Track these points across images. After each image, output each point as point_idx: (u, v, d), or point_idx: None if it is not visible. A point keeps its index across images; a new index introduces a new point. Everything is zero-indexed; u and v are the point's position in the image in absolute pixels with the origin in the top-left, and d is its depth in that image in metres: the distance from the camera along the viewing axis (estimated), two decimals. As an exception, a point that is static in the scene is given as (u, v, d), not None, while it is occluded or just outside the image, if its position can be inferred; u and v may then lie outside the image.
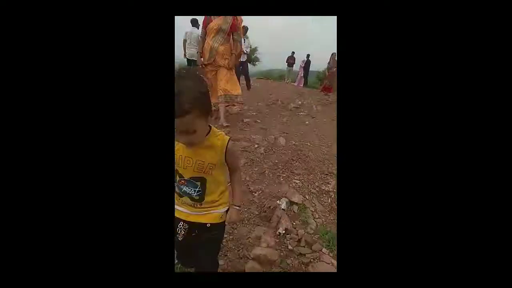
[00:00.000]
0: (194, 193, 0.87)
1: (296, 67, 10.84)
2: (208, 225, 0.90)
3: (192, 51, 5.41)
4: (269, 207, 1.63)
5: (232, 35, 3.01)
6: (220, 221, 0.92)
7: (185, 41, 5.58)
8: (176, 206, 0.90)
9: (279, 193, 1.79)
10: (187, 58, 5.72)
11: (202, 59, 3.08)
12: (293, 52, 11.00)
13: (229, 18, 2.93)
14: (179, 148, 0.83)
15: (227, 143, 0.85)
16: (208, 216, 0.90)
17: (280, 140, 2.80)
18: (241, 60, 6.14)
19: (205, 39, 2.99)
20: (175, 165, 0.85)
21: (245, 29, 6.06)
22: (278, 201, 1.68)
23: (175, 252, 0.95)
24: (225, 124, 3.04)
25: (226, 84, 3.08)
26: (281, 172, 2.14)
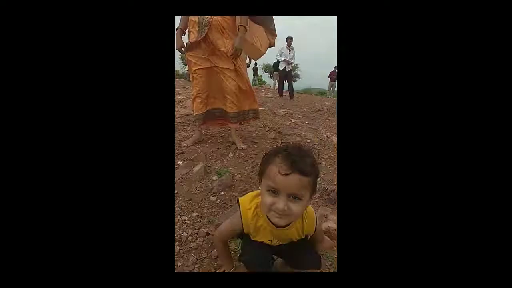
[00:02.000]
0: None
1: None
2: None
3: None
4: (333, 190, 1.60)
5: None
6: None
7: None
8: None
9: (339, 181, 1.76)
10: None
11: (184, 43, 1.75)
12: (335, 67, 10.69)
13: None
14: (265, 227, 0.75)
15: (316, 222, 0.80)
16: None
17: (333, 139, 2.65)
18: (286, 69, 6.21)
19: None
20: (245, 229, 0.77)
21: (291, 39, 6.17)
22: None
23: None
24: (241, 147, 2.10)
25: (234, 90, 1.93)
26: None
